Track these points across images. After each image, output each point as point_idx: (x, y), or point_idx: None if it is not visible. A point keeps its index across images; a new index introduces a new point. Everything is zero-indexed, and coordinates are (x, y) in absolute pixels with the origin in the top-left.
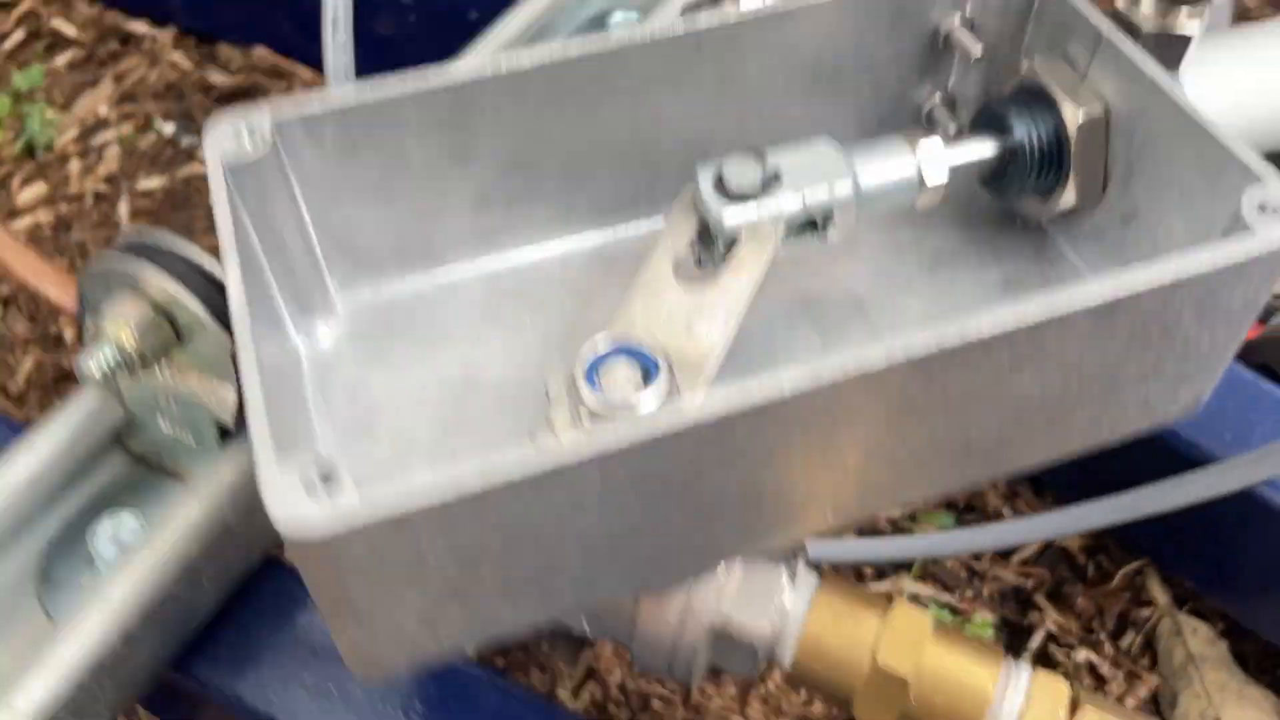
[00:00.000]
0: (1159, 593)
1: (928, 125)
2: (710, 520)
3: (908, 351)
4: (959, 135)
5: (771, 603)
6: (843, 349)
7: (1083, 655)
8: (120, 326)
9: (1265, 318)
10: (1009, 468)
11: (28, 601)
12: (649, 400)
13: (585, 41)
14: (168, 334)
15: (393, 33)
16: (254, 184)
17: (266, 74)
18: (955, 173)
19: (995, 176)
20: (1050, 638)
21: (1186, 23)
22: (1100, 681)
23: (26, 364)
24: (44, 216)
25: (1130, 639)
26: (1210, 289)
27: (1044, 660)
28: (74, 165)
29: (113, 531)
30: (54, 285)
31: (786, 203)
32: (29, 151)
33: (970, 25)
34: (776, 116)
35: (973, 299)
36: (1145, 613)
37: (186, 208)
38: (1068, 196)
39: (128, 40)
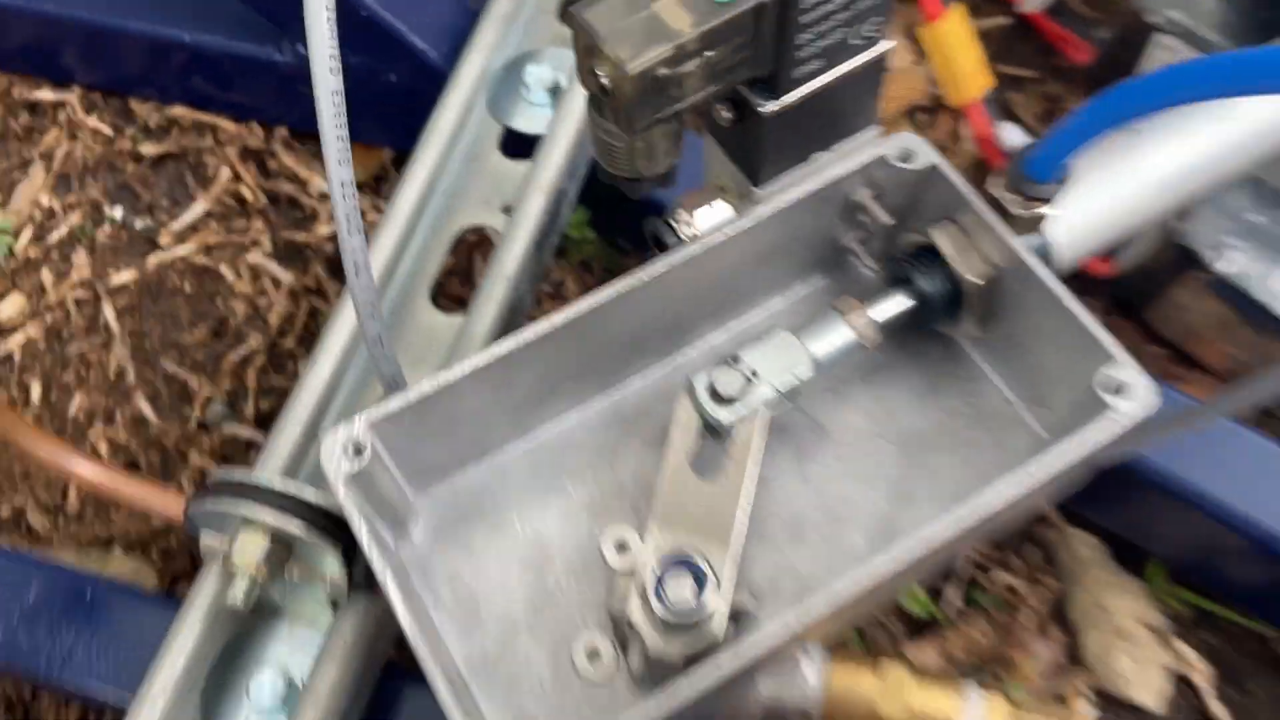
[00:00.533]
0: (1051, 511)
1: (849, 254)
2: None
3: (909, 554)
4: (875, 263)
5: (797, 678)
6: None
7: (1001, 578)
8: (248, 562)
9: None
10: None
11: None
12: (711, 602)
13: (595, 297)
14: (284, 551)
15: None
16: (362, 476)
17: (190, 131)
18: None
19: (912, 315)
20: (975, 564)
21: (1044, 209)
22: (1015, 594)
23: None
24: (34, 331)
25: (1034, 553)
26: (1087, 456)
27: (973, 585)
28: (45, 274)
29: (269, 691)
30: (161, 503)
31: (765, 393)
32: None
33: (878, 197)
34: (732, 284)
35: (906, 404)
36: (1042, 530)
37: (164, 295)
38: (970, 329)
39: (35, 108)
